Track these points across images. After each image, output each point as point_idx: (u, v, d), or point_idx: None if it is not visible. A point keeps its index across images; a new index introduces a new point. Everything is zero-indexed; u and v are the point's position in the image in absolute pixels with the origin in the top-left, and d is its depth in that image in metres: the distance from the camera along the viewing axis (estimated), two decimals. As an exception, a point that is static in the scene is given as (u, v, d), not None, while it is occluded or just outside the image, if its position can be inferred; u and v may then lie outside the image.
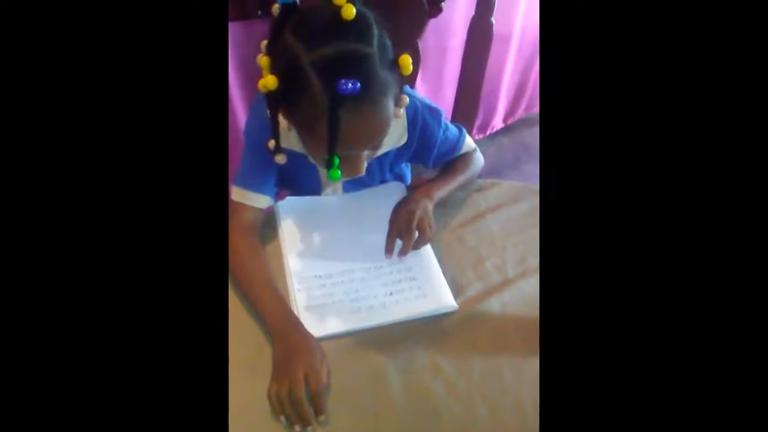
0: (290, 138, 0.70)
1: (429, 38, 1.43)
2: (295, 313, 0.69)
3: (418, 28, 0.98)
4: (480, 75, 1.13)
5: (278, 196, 0.84)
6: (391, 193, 0.85)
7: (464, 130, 0.89)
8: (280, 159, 0.69)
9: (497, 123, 2.12)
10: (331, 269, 0.76)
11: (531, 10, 1.80)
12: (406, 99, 0.65)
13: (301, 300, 0.72)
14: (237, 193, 0.78)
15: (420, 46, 1.01)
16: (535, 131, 2.09)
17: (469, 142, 0.89)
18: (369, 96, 0.57)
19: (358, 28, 0.57)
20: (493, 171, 1.88)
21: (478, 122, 2.03)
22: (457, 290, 0.74)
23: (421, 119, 0.81)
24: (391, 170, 0.91)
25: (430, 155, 0.86)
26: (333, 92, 0.55)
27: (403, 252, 0.76)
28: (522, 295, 0.74)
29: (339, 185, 0.88)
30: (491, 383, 0.63)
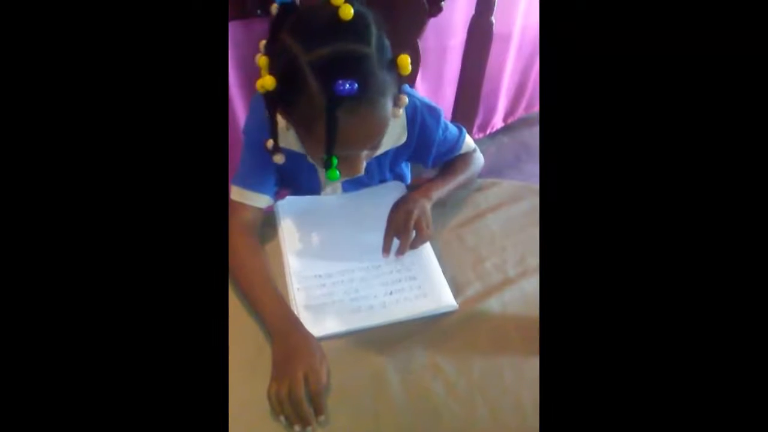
0: (289, 138, 0.70)
1: (429, 37, 1.44)
2: (295, 312, 0.69)
3: (418, 27, 0.98)
4: (480, 74, 1.13)
5: (278, 196, 0.84)
6: (391, 192, 0.85)
7: (464, 130, 0.89)
8: (279, 159, 0.69)
9: (497, 122, 2.11)
10: (331, 269, 0.76)
11: (531, 10, 1.79)
12: (405, 99, 0.65)
13: (300, 299, 0.72)
14: (236, 193, 0.78)
15: (420, 46, 1.01)
16: (535, 130, 2.09)
17: (469, 142, 0.89)
18: (367, 96, 0.57)
19: (355, 28, 0.57)
20: (493, 170, 1.88)
21: (478, 121, 2.03)
22: (457, 290, 0.74)
23: (420, 118, 0.81)
24: (391, 170, 0.91)
25: (429, 155, 0.86)
26: (330, 93, 0.55)
27: (400, 251, 0.76)
28: (522, 294, 0.74)
29: (338, 185, 0.88)
30: (491, 383, 0.63)
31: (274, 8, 0.59)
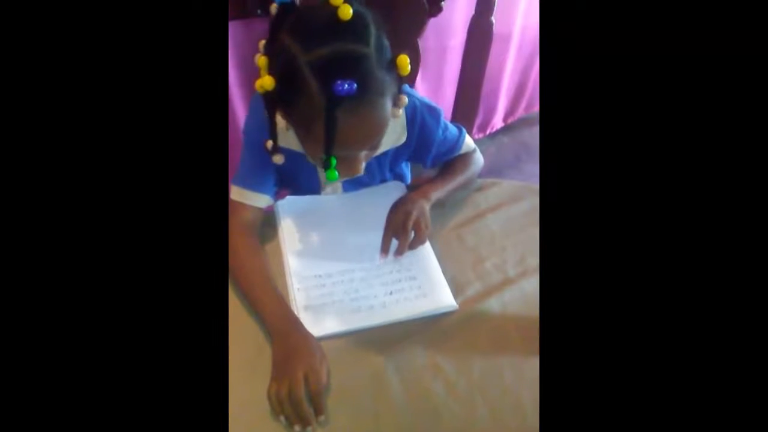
0: (289, 137, 0.70)
1: (429, 37, 1.43)
2: (295, 312, 0.69)
3: (418, 27, 0.98)
4: (480, 74, 1.13)
5: (278, 196, 0.84)
6: (391, 192, 0.85)
7: (464, 130, 0.89)
8: (278, 159, 0.69)
9: (497, 122, 2.11)
10: (331, 269, 0.76)
11: (531, 10, 1.79)
12: (405, 99, 0.65)
13: (300, 299, 0.72)
14: (236, 193, 0.78)
15: (420, 46, 1.01)
16: (535, 130, 2.09)
17: (468, 142, 0.89)
18: (366, 96, 0.57)
19: (354, 28, 0.57)
20: (493, 170, 1.88)
21: (478, 121, 2.03)
22: (457, 290, 0.74)
23: (420, 118, 0.81)
24: (391, 169, 0.91)
25: (429, 154, 0.86)
26: (329, 93, 0.55)
27: (398, 252, 0.76)
28: (522, 294, 0.74)
29: (339, 184, 0.88)
30: (491, 383, 0.63)
31: (274, 8, 0.59)
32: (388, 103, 0.61)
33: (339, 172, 0.64)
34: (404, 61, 0.60)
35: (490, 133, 2.11)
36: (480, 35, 1.06)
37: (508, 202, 0.88)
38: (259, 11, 0.89)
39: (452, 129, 0.87)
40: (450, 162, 0.89)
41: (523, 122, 2.17)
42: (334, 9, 0.55)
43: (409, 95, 0.72)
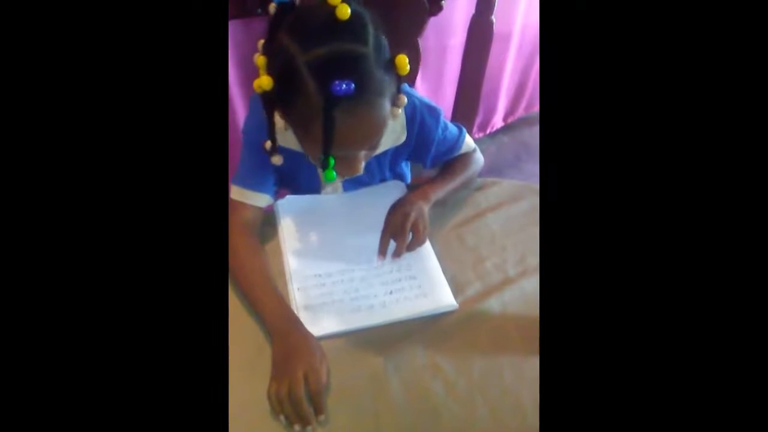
0: (288, 137, 0.70)
1: (429, 37, 1.43)
2: (295, 312, 0.69)
3: (419, 26, 0.98)
4: (480, 74, 1.13)
5: (278, 195, 0.84)
6: (391, 191, 0.85)
7: (464, 130, 0.88)
8: (277, 160, 0.69)
9: (497, 122, 2.11)
10: (331, 268, 0.76)
11: (531, 9, 1.79)
12: (404, 99, 0.65)
13: (300, 299, 0.72)
14: (236, 192, 0.77)
15: (420, 45, 1.01)
16: (535, 130, 2.09)
17: (468, 142, 0.89)
18: (364, 96, 0.57)
19: (352, 28, 0.56)
20: (493, 170, 1.88)
21: (478, 121, 2.03)
22: (457, 289, 0.74)
23: (419, 118, 0.80)
24: (391, 169, 0.91)
25: (429, 154, 0.85)
26: (327, 93, 0.55)
27: (396, 253, 0.76)
28: (522, 294, 0.74)
29: (339, 184, 0.88)
30: (491, 383, 0.63)
31: (272, 8, 0.59)
32: (387, 103, 0.61)
33: (338, 172, 0.64)
34: (403, 60, 0.60)
35: (490, 133, 2.11)
36: (480, 34, 1.06)
37: (508, 202, 0.88)
38: (259, 10, 0.89)
39: (452, 128, 0.86)
40: (450, 162, 0.89)
41: (523, 122, 2.17)
42: (332, 8, 0.55)
43: (409, 95, 0.71)
